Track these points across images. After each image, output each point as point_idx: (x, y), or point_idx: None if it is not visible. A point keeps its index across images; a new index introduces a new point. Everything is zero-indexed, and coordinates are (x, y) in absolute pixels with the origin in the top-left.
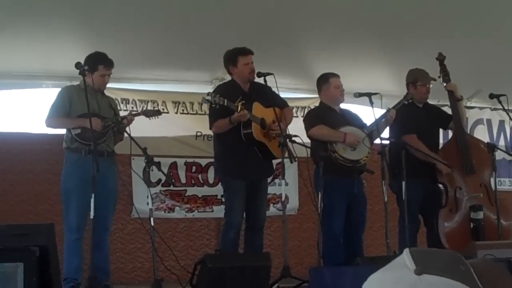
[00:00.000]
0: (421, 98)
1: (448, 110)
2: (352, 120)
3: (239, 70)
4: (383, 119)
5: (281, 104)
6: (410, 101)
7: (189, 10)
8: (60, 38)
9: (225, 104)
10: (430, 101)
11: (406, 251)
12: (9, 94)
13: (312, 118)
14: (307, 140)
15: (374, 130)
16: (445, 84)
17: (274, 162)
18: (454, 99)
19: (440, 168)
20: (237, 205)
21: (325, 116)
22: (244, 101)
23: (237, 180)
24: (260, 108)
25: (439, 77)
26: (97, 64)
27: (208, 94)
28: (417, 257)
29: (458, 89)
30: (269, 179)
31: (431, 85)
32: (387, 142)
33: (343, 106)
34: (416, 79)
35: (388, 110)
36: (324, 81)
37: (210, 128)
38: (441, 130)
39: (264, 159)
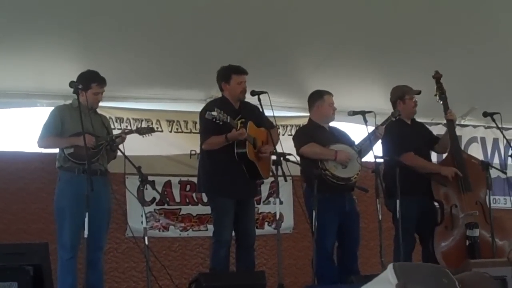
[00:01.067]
0: (410, 112)
1: (438, 129)
2: (341, 137)
3: (231, 87)
4: (372, 136)
5: (268, 125)
6: (398, 117)
7: (183, 29)
8: (54, 57)
9: (228, 121)
10: (424, 119)
11: (390, 267)
12: (3, 113)
13: (302, 136)
14: None
15: (364, 147)
16: (445, 114)
17: (268, 181)
18: (453, 128)
19: (445, 173)
20: (226, 223)
21: (315, 134)
22: (243, 119)
23: (226, 198)
24: (253, 127)
25: (435, 95)
26: (90, 82)
27: (214, 109)
28: (400, 272)
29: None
30: (263, 198)
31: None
32: (381, 160)
33: (335, 124)
34: (403, 93)
35: (377, 127)
36: (318, 98)
37: (201, 144)
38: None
39: (249, 179)
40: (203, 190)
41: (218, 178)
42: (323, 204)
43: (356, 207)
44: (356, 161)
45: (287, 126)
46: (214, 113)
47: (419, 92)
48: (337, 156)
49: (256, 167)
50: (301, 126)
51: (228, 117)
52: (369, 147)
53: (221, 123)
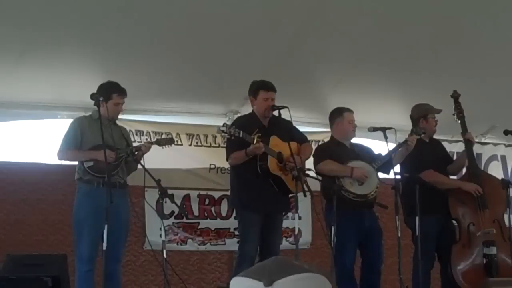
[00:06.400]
0: (431, 131)
1: (459, 147)
2: (362, 154)
3: (257, 102)
4: (401, 148)
5: (300, 139)
6: (423, 134)
7: (204, 43)
8: (75, 69)
9: (241, 135)
10: (444, 137)
11: (236, 281)
12: (24, 125)
13: (320, 153)
14: None
15: (388, 160)
16: (463, 135)
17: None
18: (471, 148)
19: (467, 189)
20: (252, 238)
21: (334, 151)
22: (260, 134)
23: (253, 213)
24: (277, 141)
25: (453, 114)
26: (111, 92)
27: (223, 125)
28: (253, 275)
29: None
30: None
31: None
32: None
33: (356, 140)
34: (427, 112)
35: (407, 139)
36: (338, 115)
37: (227, 160)
38: None
39: (280, 194)
40: (231, 205)
41: (244, 193)
42: (342, 220)
43: (378, 223)
44: (374, 178)
45: None
46: (224, 128)
47: (440, 111)
48: (353, 173)
49: (282, 180)
50: (323, 141)
51: (241, 132)
52: (397, 160)
53: (232, 138)
